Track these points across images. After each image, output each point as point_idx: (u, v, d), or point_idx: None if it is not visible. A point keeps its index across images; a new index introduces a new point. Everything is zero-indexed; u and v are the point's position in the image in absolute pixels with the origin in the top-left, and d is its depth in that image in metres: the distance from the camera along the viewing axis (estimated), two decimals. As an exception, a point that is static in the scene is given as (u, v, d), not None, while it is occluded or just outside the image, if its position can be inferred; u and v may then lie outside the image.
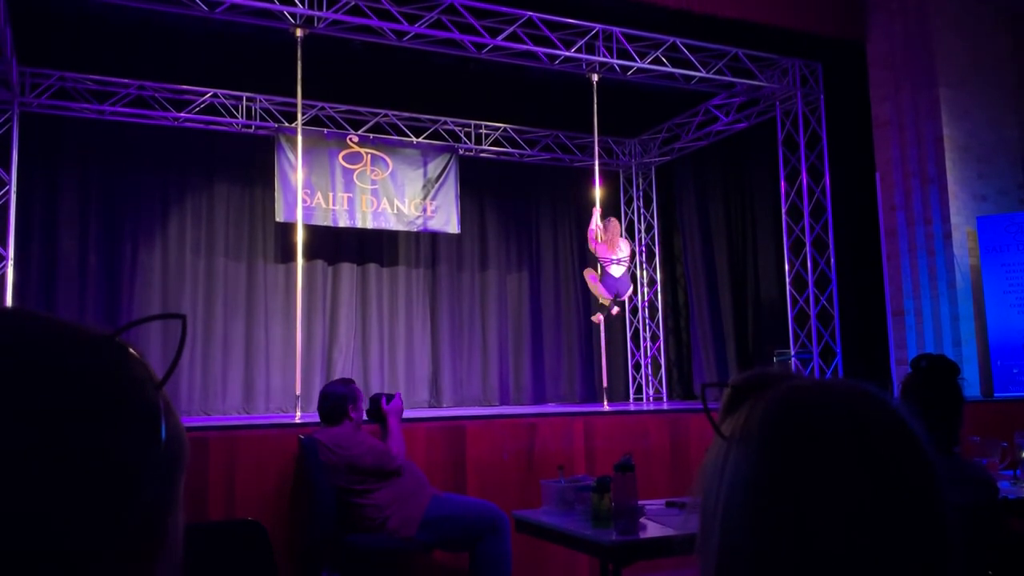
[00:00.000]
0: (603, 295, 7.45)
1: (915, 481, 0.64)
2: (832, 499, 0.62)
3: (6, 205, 7.19)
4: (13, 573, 0.46)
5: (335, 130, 8.80)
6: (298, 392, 6.22)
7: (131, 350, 0.56)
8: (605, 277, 7.44)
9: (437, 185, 9.05)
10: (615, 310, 7.78)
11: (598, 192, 7.79)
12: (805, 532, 0.62)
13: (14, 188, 7.22)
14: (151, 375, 0.56)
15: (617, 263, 7.41)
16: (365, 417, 4.28)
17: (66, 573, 0.48)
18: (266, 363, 8.58)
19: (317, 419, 4.26)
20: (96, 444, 0.50)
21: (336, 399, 4.12)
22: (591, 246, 7.57)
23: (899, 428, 0.66)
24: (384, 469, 3.92)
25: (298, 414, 5.87)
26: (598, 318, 7.77)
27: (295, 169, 7.38)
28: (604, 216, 7.70)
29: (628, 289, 7.56)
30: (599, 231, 7.47)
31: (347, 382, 4.34)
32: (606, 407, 6.87)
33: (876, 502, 0.62)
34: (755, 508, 0.64)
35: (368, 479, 3.91)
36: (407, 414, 4.77)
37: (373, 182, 8.78)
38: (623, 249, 7.47)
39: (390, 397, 4.36)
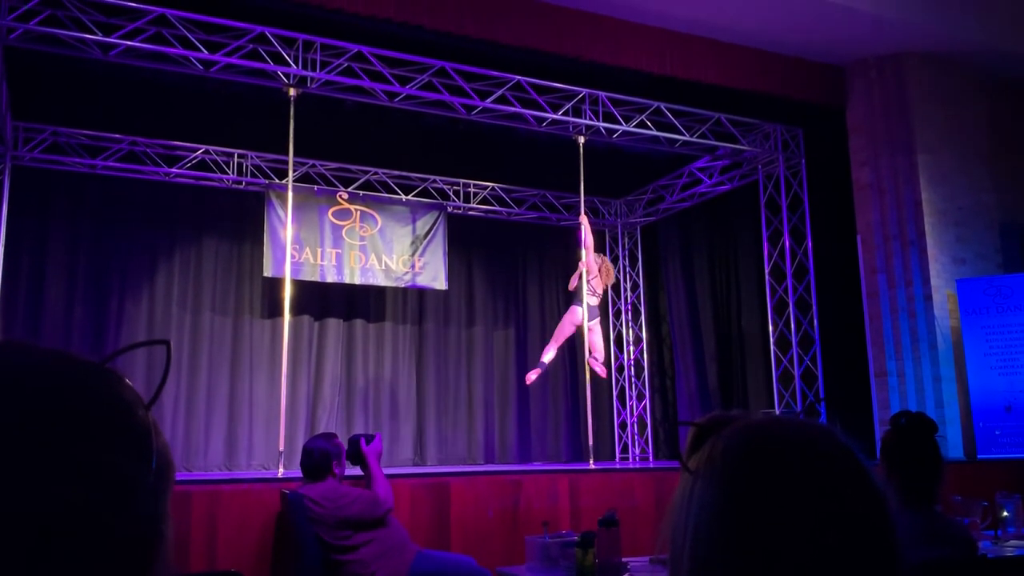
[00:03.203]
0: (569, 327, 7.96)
1: (865, 501, 0.69)
2: (791, 519, 0.67)
3: (-6, 257, 7.20)
4: None
5: (325, 187, 8.89)
6: (281, 448, 6.16)
7: (120, 376, 0.61)
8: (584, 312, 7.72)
9: (425, 242, 9.12)
10: (602, 371, 7.84)
11: (587, 243, 7.79)
12: (769, 551, 0.66)
13: (3, 240, 7.24)
14: (140, 398, 0.61)
15: (592, 294, 7.90)
16: (346, 468, 4.24)
17: None
18: (249, 419, 8.50)
19: (300, 475, 4.21)
20: (94, 461, 0.54)
21: (320, 455, 4.08)
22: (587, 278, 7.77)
23: (846, 455, 0.72)
24: (372, 516, 3.88)
25: (280, 471, 5.81)
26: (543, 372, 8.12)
27: (284, 225, 7.42)
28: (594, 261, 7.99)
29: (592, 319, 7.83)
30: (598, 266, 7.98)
31: (330, 436, 4.29)
32: (592, 466, 6.84)
33: (830, 519, 0.67)
34: (721, 533, 0.69)
35: (356, 533, 3.87)
36: (392, 471, 4.72)
37: (362, 238, 8.83)
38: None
39: (369, 438, 4.25)
